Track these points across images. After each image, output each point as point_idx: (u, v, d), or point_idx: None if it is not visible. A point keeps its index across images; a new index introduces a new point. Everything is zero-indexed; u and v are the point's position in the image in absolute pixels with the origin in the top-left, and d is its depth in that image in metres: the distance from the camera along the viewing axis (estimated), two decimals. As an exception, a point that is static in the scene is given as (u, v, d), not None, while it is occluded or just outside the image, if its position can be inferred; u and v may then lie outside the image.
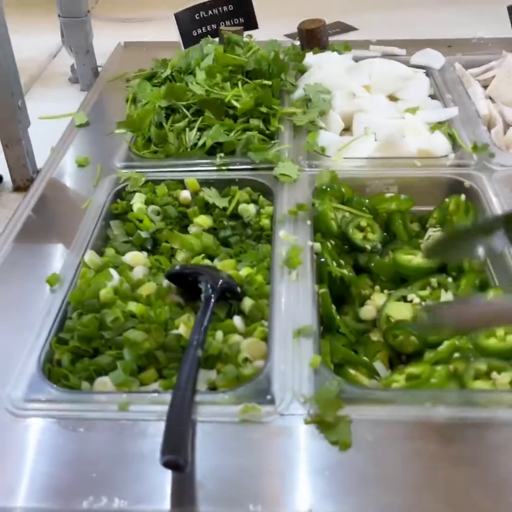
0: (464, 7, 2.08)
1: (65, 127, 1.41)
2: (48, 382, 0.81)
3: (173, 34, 1.57)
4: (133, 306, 0.90)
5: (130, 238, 1.09)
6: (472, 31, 1.78)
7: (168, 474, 0.70)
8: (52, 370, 0.84)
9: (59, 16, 1.52)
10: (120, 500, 0.68)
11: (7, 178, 1.26)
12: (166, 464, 0.66)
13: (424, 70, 1.51)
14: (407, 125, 1.29)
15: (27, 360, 0.83)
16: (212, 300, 0.88)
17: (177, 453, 0.66)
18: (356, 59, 1.54)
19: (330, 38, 1.71)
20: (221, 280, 0.91)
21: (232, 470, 0.72)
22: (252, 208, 1.13)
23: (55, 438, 0.75)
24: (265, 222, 1.10)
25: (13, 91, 1.12)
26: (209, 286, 0.90)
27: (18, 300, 0.94)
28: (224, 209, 1.13)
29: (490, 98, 1.41)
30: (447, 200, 1.12)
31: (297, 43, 1.65)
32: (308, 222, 1.06)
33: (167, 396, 0.76)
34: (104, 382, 0.81)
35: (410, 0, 2.15)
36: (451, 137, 1.26)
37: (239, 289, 0.93)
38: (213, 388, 0.82)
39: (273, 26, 1.82)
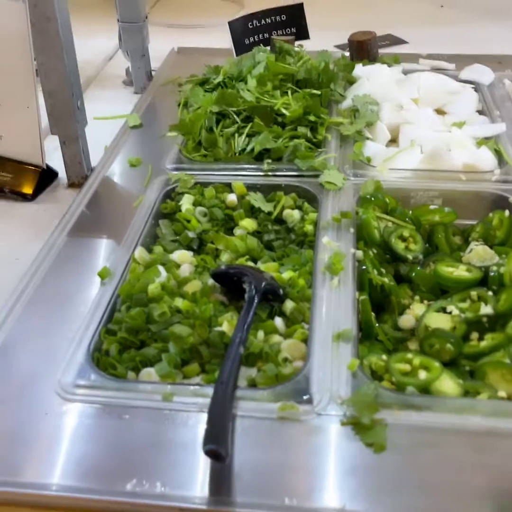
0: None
1: (119, 128, 1.46)
2: (96, 369, 0.85)
3: (225, 41, 1.61)
4: (179, 302, 0.93)
5: (178, 237, 1.12)
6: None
7: (207, 463, 0.73)
8: (101, 359, 0.87)
9: (118, 20, 1.58)
10: (162, 485, 0.71)
11: (62, 174, 1.31)
12: (208, 453, 0.69)
13: (473, 86, 1.52)
14: (454, 139, 1.30)
15: (77, 348, 0.87)
16: (256, 300, 0.91)
17: (218, 444, 0.69)
18: (405, 72, 1.56)
19: (380, 50, 1.73)
20: (264, 282, 0.94)
21: (268, 464, 0.74)
22: (296, 213, 1.15)
23: (101, 423, 0.79)
24: (309, 228, 1.12)
25: (74, 92, 1.17)
26: (253, 286, 0.93)
27: (70, 291, 0.99)
28: (269, 213, 1.16)
29: (539, 115, 1.41)
30: (490, 214, 1.13)
31: (347, 54, 1.67)
32: (351, 230, 1.08)
33: (209, 390, 0.79)
34: (149, 372, 0.85)
35: (461, 15, 2.16)
36: (498, 153, 1.26)
37: (281, 291, 0.96)
38: (253, 385, 0.84)
39: (324, 36, 1.85)
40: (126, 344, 0.90)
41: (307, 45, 1.65)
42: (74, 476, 0.74)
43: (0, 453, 0.76)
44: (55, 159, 1.32)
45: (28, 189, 1.25)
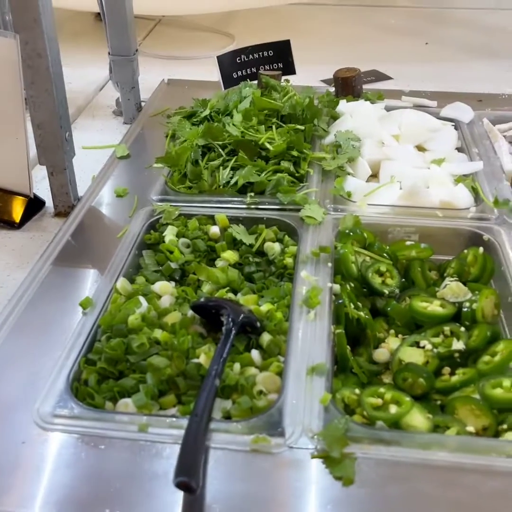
0: (499, 61, 2.14)
1: (107, 157, 1.49)
2: (75, 399, 0.86)
3: (214, 74, 1.66)
4: (158, 333, 0.95)
5: (160, 268, 1.15)
6: (503, 86, 1.84)
7: (179, 495, 0.74)
8: (79, 389, 0.89)
9: (109, 53, 1.62)
10: (134, 516, 0.72)
11: (49, 203, 1.34)
12: (179, 485, 0.71)
13: (453, 123, 1.56)
14: (432, 176, 1.34)
15: (57, 378, 0.89)
16: (233, 332, 0.93)
17: (189, 476, 0.71)
18: (388, 109, 1.61)
19: (365, 86, 1.78)
20: (242, 315, 0.96)
21: (240, 496, 0.76)
22: (277, 246, 1.18)
23: (77, 453, 0.80)
24: (289, 261, 1.15)
25: (62, 124, 1.20)
26: (230, 319, 0.95)
27: (52, 320, 1.01)
28: (251, 245, 1.18)
29: (516, 154, 1.45)
30: (465, 251, 1.16)
31: (332, 89, 1.72)
32: (329, 264, 1.11)
33: (184, 421, 0.81)
34: (126, 403, 0.87)
35: (445, 53, 2.22)
36: (474, 190, 1.30)
37: (258, 324, 0.98)
38: (227, 417, 0.86)
39: (311, 71, 1.90)
40: (105, 374, 0.91)
41: (294, 79, 1.70)
42: (49, 505, 0.75)
43: (-24, 483, 0.77)
44: (42, 188, 1.35)
45: (15, 217, 1.27)
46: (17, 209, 1.27)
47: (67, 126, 1.23)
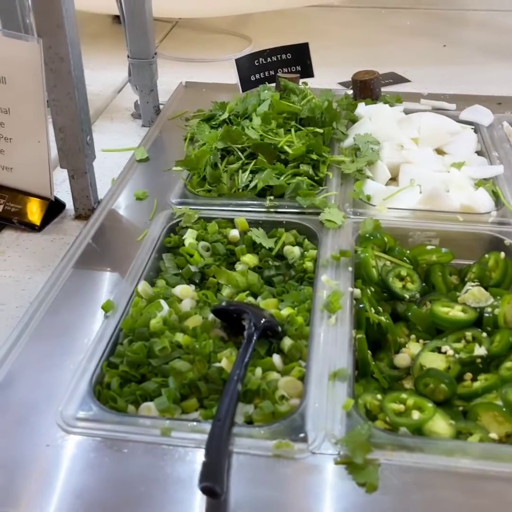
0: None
1: (126, 160, 1.50)
2: (97, 402, 0.87)
3: (233, 76, 1.66)
4: (180, 337, 0.96)
5: (180, 271, 1.15)
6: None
7: (203, 500, 0.75)
8: (102, 392, 0.90)
9: (128, 57, 1.62)
10: (158, 520, 0.73)
11: (69, 205, 1.35)
12: (204, 490, 0.71)
13: (473, 126, 1.55)
14: (452, 180, 1.33)
15: (80, 381, 0.90)
16: (254, 337, 0.93)
17: (214, 481, 0.71)
18: (407, 112, 1.60)
19: (383, 89, 1.77)
20: (263, 319, 0.97)
21: (263, 502, 0.76)
22: (296, 250, 1.18)
23: (100, 456, 0.81)
24: (309, 264, 1.15)
25: (84, 128, 1.21)
26: (252, 324, 0.95)
27: (74, 323, 1.01)
28: (270, 249, 1.18)
29: (536, 157, 1.44)
30: (486, 256, 1.16)
31: (351, 92, 1.72)
32: (350, 269, 1.11)
33: (207, 426, 0.81)
34: (148, 407, 0.87)
35: (463, 55, 2.21)
36: (495, 194, 1.30)
37: (279, 329, 0.98)
38: (249, 421, 0.86)
39: (329, 74, 1.91)
40: (127, 377, 0.92)
41: (312, 82, 1.69)
42: (73, 508, 0.75)
43: (2, 484, 0.78)
44: (62, 191, 1.36)
45: (36, 220, 1.28)
46: (38, 212, 1.28)
47: (88, 129, 1.24)
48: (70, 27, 1.11)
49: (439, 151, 1.48)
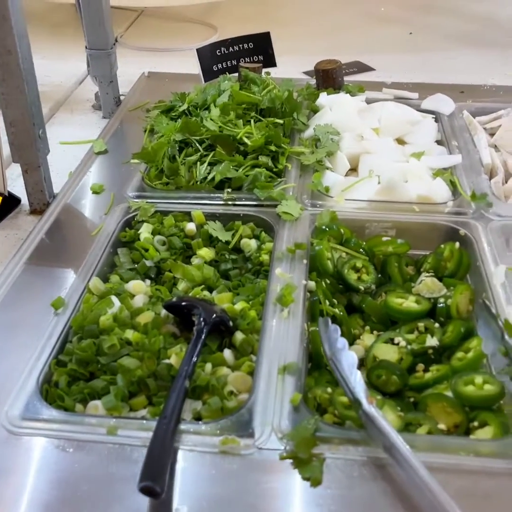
0: (485, 51, 2.12)
1: (85, 152, 1.48)
2: (44, 402, 0.86)
3: (195, 66, 1.64)
4: (129, 334, 0.95)
5: (135, 266, 1.14)
6: (485, 77, 1.83)
7: (147, 499, 0.74)
8: (50, 391, 0.89)
9: (86, 47, 1.60)
10: (100, 520, 0.72)
11: (24, 200, 1.33)
12: (143, 490, 0.71)
13: (434, 116, 1.55)
14: (411, 170, 1.33)
15: (27, 380, 0.89)
16: (204, 333, 0.93)
17: (154, 480, 0.71)
18: (369, 101, 1.59)
19: (347, 78, 1.77)
20: (214, 314, 0.96)
21: (208, 499, 0.76)
22: (253, 243, 1.17)
23: (46, 457, 0.80)
24: (265, 257, 1.14)
25: (35, 121, 1.18)
26: (202, 319, 0.94)
27: (24, 320, 1.00)
28: (227, 242, 1.18)
29: (496, 146, 1.44)
30: (442, 246, 1.16)
31: (314, 81, 1.71)
32: (304, 261, 1.10)
33: (154, 423, 0.80)
34: (96, 405, 0.86)
35: (429, 43, 2.20)
36: (452, 184, 1.30)
37: (231, 323, 0.97)
38: (198, 418, 0.86)
39: (293, 63, 1.90)
40: (76, 376, 0.91)
41: (276, 72, 1.68)
42: (16, 509, 0.75)
43: None
44: (18, 186, 1.33)
45: (-11, 216, 1.26)
46: (-8, 208, 1.26)
47: (41, 123, 1.22)
48: (17, 19, 1.08)
49: (400, 141, 1.47)
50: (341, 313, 1.06)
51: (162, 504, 0.74)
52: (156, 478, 0.71)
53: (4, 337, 0.97)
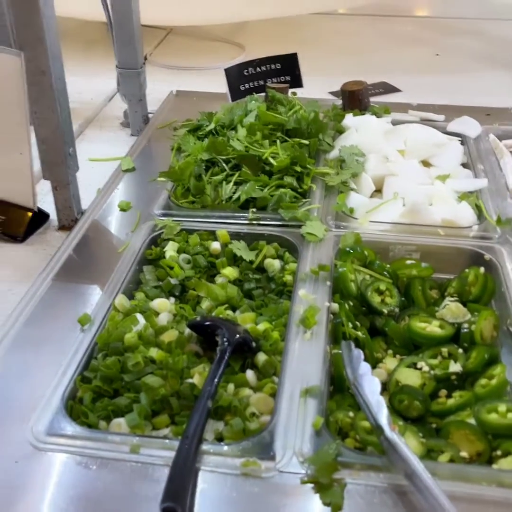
0: (510, 73, 2.12)
1: (113, 169, 1.50)
2: (69, 418, 0.87)
3: (222, 85, 1.67)
4: (154, 352, 0.96)
5: (160, 283, 1.15)
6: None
7: (169, 519, 0.75)
8: (74, 407, 0.90)
9: (116, 66, 1.63)
10: (122, 539, 0.73)
11: (53, 216, 1.35)
12: (165, 510, 0.71)
13: (460, 138, 1.55)
14: (436, 193, 1.33)
15: (52, 395, 0.90)
16: (227, 353, 0.93)
17: (176, 501, 0.72)
18: (395, 123, 1.60)
19: (374, 98, 1.78)
20: (237, 335, 0.97)
21: (228, 520, 0.76)
22: (277, 263, 1.18)
23: (69, 474, 0.81)
24: (288, 278, 1.15)
25: (66, 140, 1.21)
26: (225, 339, 0.95)
27: (50, 336, 1.01)
28: (251, 262, 1.18)
29: (522, 170, 1.44)
30: (467, 270, 1.16)
31: (340, 102, 1.72)
32: (328, 283, 1.11)
33: (176, 443, 0.81)
34: (119, 423, 0.87)
35: (456, 65, 2.21)
36: (478, 208, 1.29)
37: (254, 344, 0.98)
38: (220, 438, 0.86)
39: (319, 83, 1.91)
40: (100, 392, 0.92)
41: (302, 92, 1.70)
42: (38, 525, 0.76)
43: (-32, 502, 0.78)
44: (48, 202, 1.36)
45: (18, 231, 1.29)
46: (21, 223, 1.29)
47: (71, 141, 1.24)
48: (51, 40, 1.11)
49: (425, 163, 1.47)
50: (364, 336, 1.06)
51: (184, 525, 0.74)
52: (178, 499, 0.72)
53: (30, 352, 0.99)
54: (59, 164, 1.24)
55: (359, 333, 1.05)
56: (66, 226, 1.33)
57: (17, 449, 0.84)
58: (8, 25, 1.50)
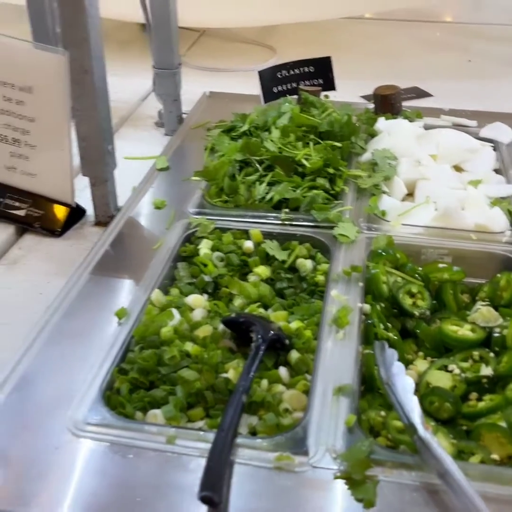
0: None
1: (147, 167, 1.53)
2: (106, 408, 0.89)
3: (256, 87, 1.69)
4: (189, 346, 0.98)
5: (194, 280, 1.17)
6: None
7: (202, 509, 0.76)
8: (111, 397, 0.92)
9: (153, 66, 1.66)
10: (159, 526, 0.75)
11: (90, 211, 1.38)
12: (203, 499, 0.73)
13: (492, 144, 1.55)
14: (468, 198, 1.33)
15: (91, 386, 0.92)
16: (261, 349, 0.95)
17: (213, 491, 0.73)
18: (427, 127, 1.61)
19: (405, 103, 1.78)
20: (271, 332, 0.98)
21: (261, 512, 0.78)
22: (309, 263, 1.20)
23: (106, 461, 0.83)
24: (320, 278, 1.16)
25: (105, 137, 1.24)
26: (260, 336, 0.97)
27: (88, 328, 1.04)
28: (283, 261, 1.20)
29: (555, 177, 1.44)
30: (498, 275, 1.16)
31: (372, 105, 1.73)
32: (360, 284, 1.12)
33: (211, 435, 0.83)
34: (155, 414, 0.89)
35: (488, 71, 2.20)
36: (510, 214, 1.30)
37: (287, 342, 1.00)
38: (253, 432, 0.88)
39: (351, 86, 1.92)
40: (136, 384, 0.94)
41: (334, 95, 1.71)
42: (76, 509, 0.78)
43: (11, 484, 0.81)
44: (84, 197, 1.39)
45: (57, 226, 1.32)
46: (59, 218, 1.32)
47: (110, 139, 1.27)
48: (95, 41, 1.14)
49: (457, 168, 1.48)
50: (395, 338, 1.06)
51: (219, 515, 0.76)
52: (215, 489, 0.74)
53: (69, 343, 1.01)
54: (98, 161, 1.27)
55: (391, 335, 1.06)
56: (102, 222, 1.35)
57: (57, 437, 0.86)
58: (49, 24, 1.53)
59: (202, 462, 0.80)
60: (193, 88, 1.93)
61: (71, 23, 1.11)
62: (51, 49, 1.16)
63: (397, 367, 0.91)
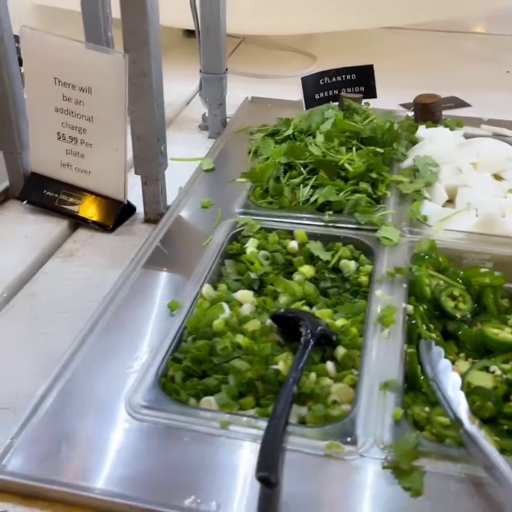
0: None
1: (191, 169, 1.58)
2: (162, 393, 0.94)
3: (296, 93, 1.73)
4: (240, 339, 1.02)
5: (241, 277, 1.21)
6: None
7: (256, 489, 0.80)
8: (166, 384, 0.96)
9: (200, 71, 1.71)
10: (217, 505, 0.79)
11: (139, 209, 1.43)
12: (260, 479, 0.77)
13: (532, 154, 1.58)
14: (509, 205, 1.36)
15: (146, 372, 0.96)
16: (311, 343, 0.99)
17: (270, 472, 0.77)
18: (467, 136, 1.63)
19: (444, 112, 1.81)
20: (320, 327, 1.02)
21: (311, 497, 0.81)
22: (352, 264, 1.23)
23: (163, 443, 0.87)
24: (363, 279, 1.20)
25: (159, 138, 1.29)
26: (309, 331, 1.01)
27: (142, 319, 1.09)
28: (327, 262, 1.23)
29: None
30: (539, 282, 1.18)
31: (411, 113, 1.76)
32: (404, 285, 1.15)
33: (262, 423, 0.87)
34: (209, 401, 0.93)
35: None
36: (550, 222, 1.32)
37: (334, 337, 1.03)
38: (302, 422, 0.92)
39: (391, 94, 1.94)
40: (190, 372, 0.98)
41: (374, 102, 1.75)
42: (136, 487, 0.82)
43: (77, 461, 0.85)
44: (133, 195, 1.44)
45: (109, 222, 1.37)
46: (111, 214, 1.37)
47: (163, 140, 1.32)
48: (154, 45, 1.19)
49: (497, 177, 1.50)
50: (438, 338, 1.09)
51: (272, 496, 0.79)
52: (272, 470, 0.77)
53: (125, 332, 1.06)
54: (151, 161, 1.32)
55: (433, 335, 1.09)
56: (151, 219, 1.40)
57: (116, 418, 0.90)
58: (101, 25, 1.59)
59: (255, 447, 0.84)
60: (234, 93, 1.97)
61: (133, 28, 1.16)
62: (111, 52, 1.21)
63: (444, 364, 0.94)
